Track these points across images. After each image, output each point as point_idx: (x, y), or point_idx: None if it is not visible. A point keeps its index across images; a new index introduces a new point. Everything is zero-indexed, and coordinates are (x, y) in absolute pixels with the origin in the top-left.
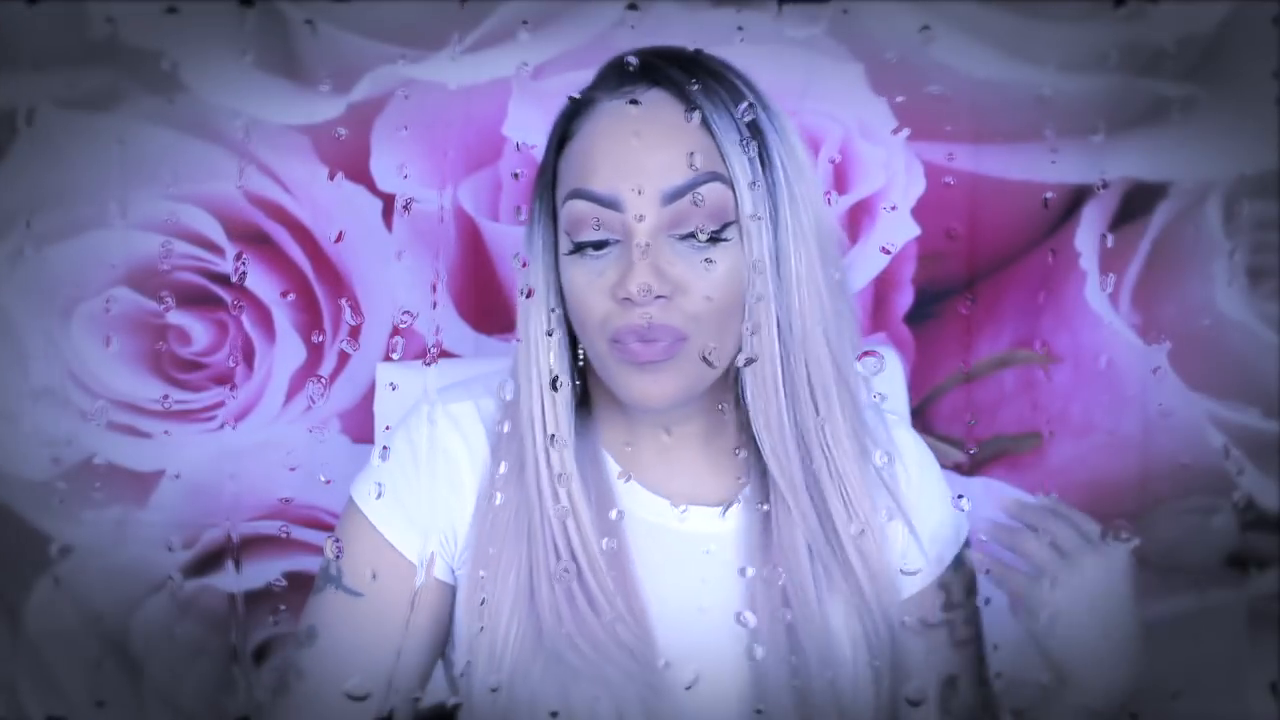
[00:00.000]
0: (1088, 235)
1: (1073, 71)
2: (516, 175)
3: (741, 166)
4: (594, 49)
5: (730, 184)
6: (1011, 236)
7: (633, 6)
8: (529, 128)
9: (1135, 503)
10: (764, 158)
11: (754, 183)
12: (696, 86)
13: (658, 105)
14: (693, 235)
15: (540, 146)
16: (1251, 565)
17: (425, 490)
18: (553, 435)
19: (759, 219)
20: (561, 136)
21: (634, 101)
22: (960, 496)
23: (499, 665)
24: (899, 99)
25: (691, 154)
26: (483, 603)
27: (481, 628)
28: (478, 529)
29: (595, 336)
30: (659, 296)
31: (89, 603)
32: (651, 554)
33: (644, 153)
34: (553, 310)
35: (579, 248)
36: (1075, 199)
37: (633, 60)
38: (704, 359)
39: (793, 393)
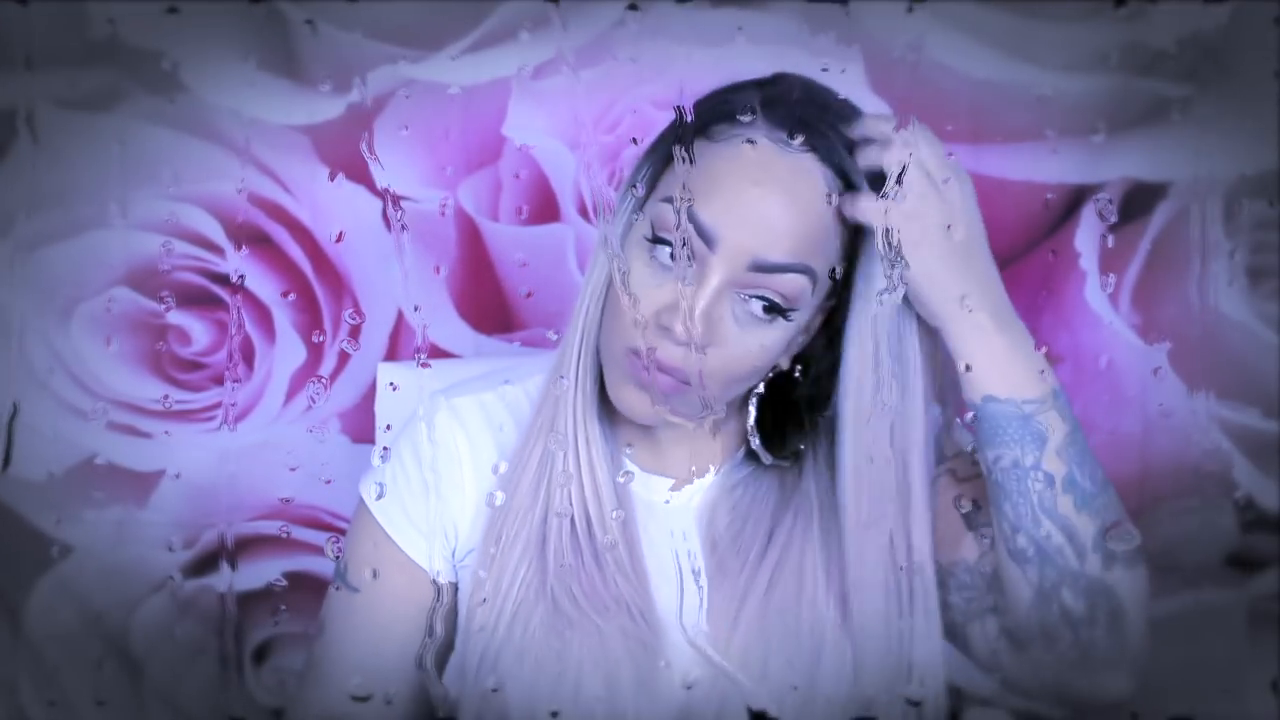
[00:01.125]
0: (1088, 235)
1: (1073, 71)
2: (517, 175)
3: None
4: (594, 49)
5: (814, 280)
6: (1011, 236)
7: (633, 7)
8: (529, 128)
9: (1135, 503)
10: (855, 258)
11: (837, 286)
12: (848, 169)
13: (798, 172)
14: (758, 300)
15: (540, 146)
16: (1251, 565)
17: (426, 486)
18: (580, 408)
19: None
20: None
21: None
22: (959, 496)
23: (502, 607)
24: (898, 99)
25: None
26: (484, 601)
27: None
28: (488, 523)
29: (619, 334)
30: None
31: (89, 603)
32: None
33: (762, 216)
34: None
35: (658, 241)
36: (1075, 199)
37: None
38: (702, 403)
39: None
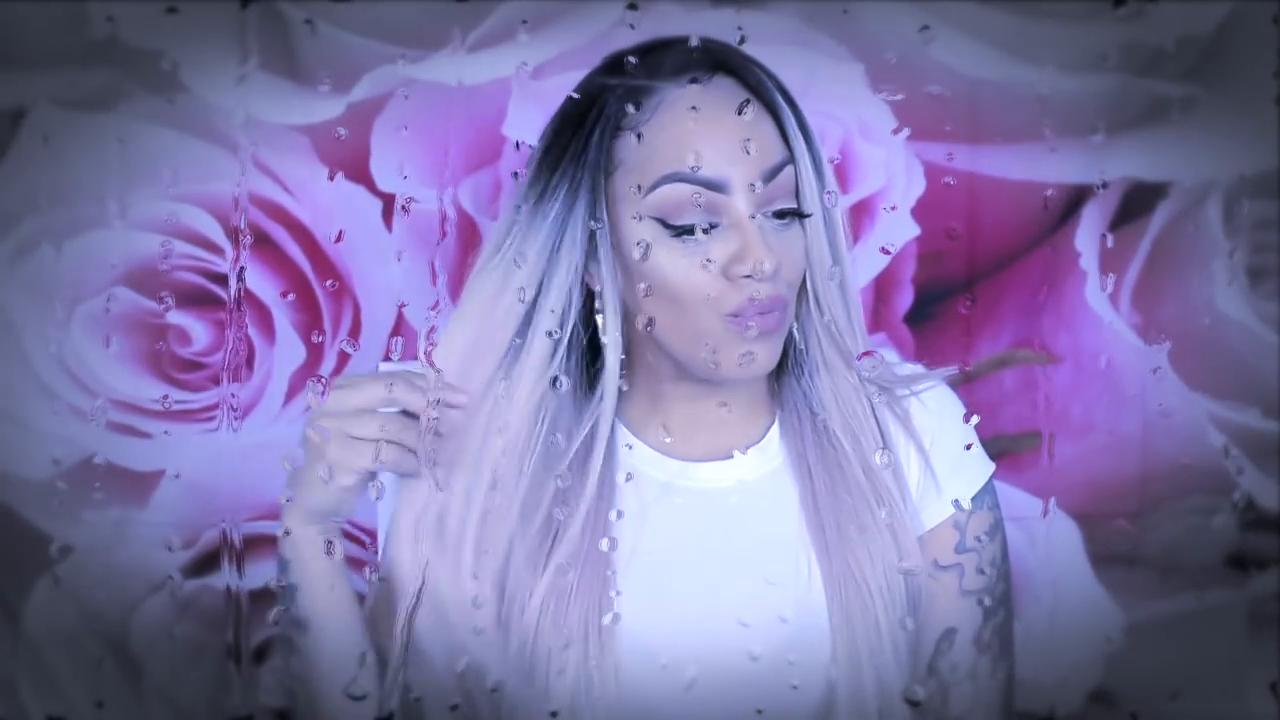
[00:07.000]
0: (1088, 235)
1: (1073, 71)
2: (516, 175)
3: (801, 150)
4: (594, 49)
5: (794, 166)
6: (1011, 236)
7: (633, 6)
8: (529, 128)
9: (1135, 503)
10: (808, 142)
11: (816, 164)
12: (760, 71)
13: (732, 90)
14: (783, 212)
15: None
16: (1251, 565)
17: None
18: (562, 431)
19: (830, 196)
20: (615, 125)
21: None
22: (958, 499)
23: (500, 606)
24: (899, 99)
25: (782, 132)
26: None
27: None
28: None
29: (702, 313)
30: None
31: (89, 603)
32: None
33: (743, 135)
34: (558, 310)
35: (680, 232)
36: (1075, 199)
37: (695, 45)
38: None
39: (833, 363)
